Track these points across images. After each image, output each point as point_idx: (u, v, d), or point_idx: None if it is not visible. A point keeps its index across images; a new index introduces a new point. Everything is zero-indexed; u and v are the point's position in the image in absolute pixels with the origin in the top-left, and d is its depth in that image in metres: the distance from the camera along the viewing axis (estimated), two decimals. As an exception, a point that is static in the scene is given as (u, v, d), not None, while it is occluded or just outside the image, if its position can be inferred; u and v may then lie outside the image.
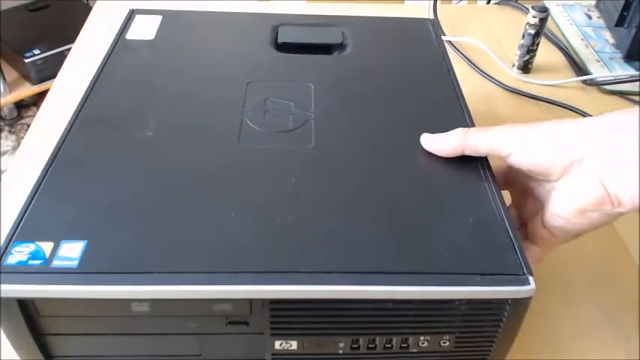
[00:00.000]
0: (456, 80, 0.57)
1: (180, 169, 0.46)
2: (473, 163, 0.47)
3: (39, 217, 0.41)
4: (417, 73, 0.59)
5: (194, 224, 0.41)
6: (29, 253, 0.38)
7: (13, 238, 0.39)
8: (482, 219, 0.43)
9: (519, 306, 0.40)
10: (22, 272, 0.38)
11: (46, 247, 0.39)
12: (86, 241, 0.39)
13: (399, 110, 0.54)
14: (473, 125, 0.52)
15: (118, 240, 0.40)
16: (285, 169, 0.46)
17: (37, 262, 0.38)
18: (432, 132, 0.49)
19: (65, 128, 0.49)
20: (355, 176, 0.46)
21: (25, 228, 0.40)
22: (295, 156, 0.48)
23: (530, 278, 0.39)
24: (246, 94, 0.54)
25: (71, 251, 0.39)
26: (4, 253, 0.38)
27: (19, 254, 0.38)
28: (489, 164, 0.48)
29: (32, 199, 0.42)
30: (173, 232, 0.40)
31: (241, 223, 0.41)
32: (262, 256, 0.39)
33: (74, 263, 0.38)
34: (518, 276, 0.39)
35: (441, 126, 0.50)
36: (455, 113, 0.53)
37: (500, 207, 0.44)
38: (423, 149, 0.49)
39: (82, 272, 0.38)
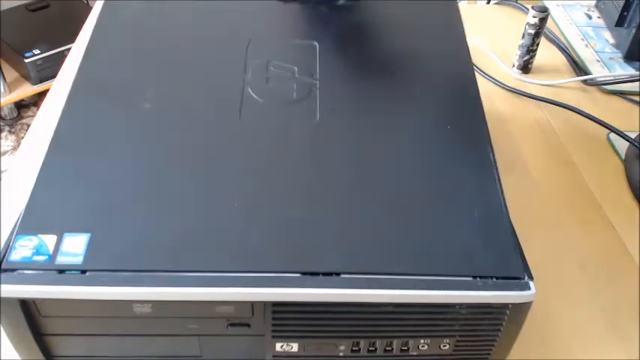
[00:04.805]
0: (467, 46, 0.54)
1: (181, 154, 0.44)
2: (483, 153, 0.46)
3: (39, 207, 0.40)
4: (430, 32, 0.55)
5: (196, 216, 0.40)
6: (33, 248, 0.38)
7: (15, 231, 0.39)
8: (487, 215, 0.42)
9: (520, 310, 0.40)
10: (25, 271, 0.37)
11: (49, 240, 0.38)
12: (89, 234, 0.39)
13: (408, 77, 0.51)
14: (479, 97, 0.49)
15: (121, 232, 0.39)
16: (288, 152, 0.44)
17: (42, 258, 0.38)
18: (442, 105, 0.47)
19: (62, 110, 0.47)
20: (360, 162, 0.44)
21: (27, 220, 0.39)
22: (299, 136, 0.45)
23: (531, 283, 0.39)
24: (247, 56, 0.51)
25: (75, 246, 0.38)
26: (7, 249, 0.38)
27: (23, 249, 0.38)
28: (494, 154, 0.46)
29: (32, 189, 0.41)
30: (175, 227, 0.40)
31: (243, 218, 0.41)
32: (264, 256, 0.39)
33: (79, 259, 0.38)
34: (519, 281, 0.39)
35: (451, 100, 0.48)
36: (467, 85, 0.50)
37: (506, 202, 0.43)
38: (434, 128, 0.47)
39: (86, 270, 0.37)
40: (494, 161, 0.45)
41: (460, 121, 0.48)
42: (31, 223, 0.39)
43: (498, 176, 0.44)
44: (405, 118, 0.48)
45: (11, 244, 0.38)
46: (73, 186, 0.42)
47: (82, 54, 0.50)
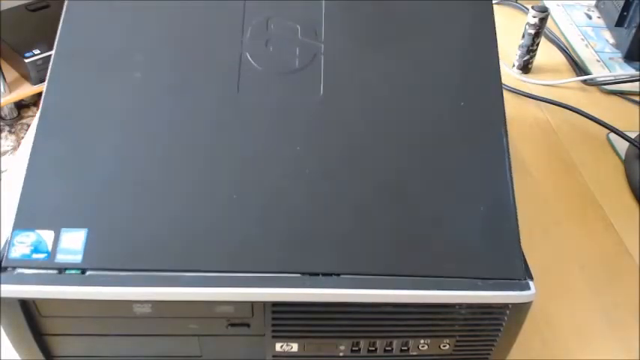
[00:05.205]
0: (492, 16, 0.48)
1: (176, 139, 0.42)
2: (497, 145, 0.43)
3: (34, 200, 0.39)
4: None
5: (193, 209, 0.39)
6: (31, 245, 0.38)
7: (13, 227, 0.38)
8: (495, 214, 0.40)
9: (520, 310, 0.40)
10: (25, 270, 0.37)
11: (47, 236, 0.38)
12: (87, 230, 0.38)
13: (424, 47, 0.45)
14: (499, 76, 0.44)
15: (117, 227, 0.39)
16: (288, 138, 0.42)
17: (41, 255, 0.37)
18: (458, 80, 0.42)
19: (45, 88, 0.43)
20: (364, 147, 0.42)
21: (22, 214, 0.39)
22: (300, 118, 0.42)
23: (531, 283, 0.39)
24: (245, 10, 0.45)
25: (73, 243, 0.38)
26: (7, 247, 0.38)
27: (22, 246, 0.38)
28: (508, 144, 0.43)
29: (24, 180, 0.40)
30: (172, 223, 0.39)
31: (243, 215, 0.39)
32: (264, 256, 0.39)
33: (78, 258, 0.37)
34: (519, 281, 0.39)
35: (469, 76, 0.44)
36: (486, 60, 0.45)
37: (513, 197, 0.41)
38: (448, 109, 0.43)
39: (85, 269, 0.37)
40: (507, 152, 0.42)
41: (476, 107, 0.44)
42: (26, 217, 0.39)
43: (510, 172, 0.42)
44: (418, 94, 0.44)
45: (9, 240, 0.38)
46: (65, 174, 0.40)
47: (60, 24, 0.44)
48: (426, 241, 0.40)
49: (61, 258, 0.38)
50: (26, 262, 0.37)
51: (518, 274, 0.39)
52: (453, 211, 0.41)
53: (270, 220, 0.40)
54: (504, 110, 0.44)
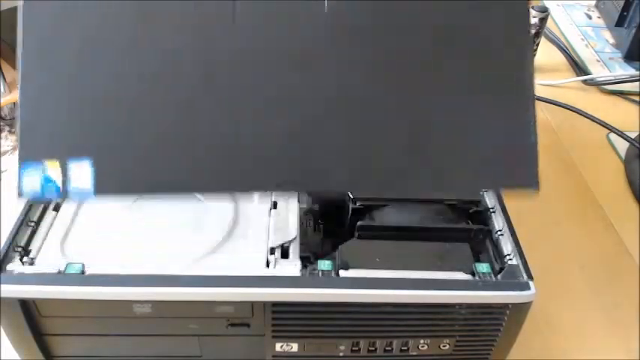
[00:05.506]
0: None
1: (168, 79, 0.39)
2: (522, 59, 0.39)
3: (34, 133, 0.38)
4: None
5: (194, 129, 0.38)
6: (41, 178, 0.37)
7: (18, 161, 0.37)
8: (510, 119, 0.38)
9: (520, 310, 0.40)
10: (27, 270, 0.37)
11: (55, 168, 0.37)
12: (92, 159, 0.37)
13: None
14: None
15: (122, 152, 0.37)
16: (290, 62, 0.38)
17: (52, 189, 0.37)
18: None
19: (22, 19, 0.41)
20: (376, 65, 0.39)
21: (25, 148, 0.37)
22: (304, 37, 0.39)
23: (531, 283, 0.39)
24: None
25: (81, 173, 0.37)
26: (18, 183, 0.37)
27: (32, 179, 0.37)
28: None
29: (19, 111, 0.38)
30: (174, 143, 0.38)
31: (245, 132, 0.38)
32: (269, 174, 0.37)
33: (89, 190, 0.36)
34: (519, 281, 0.39)
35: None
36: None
37: (534, 112, 0.38)
38: (468, 19, 0.39)
39: (98, 195, 0.36)
40: (532, 72, 0.39)
41: (500, 33, 0.40)
42: (30, 151, 0.37)
43: (533, 87, 0.38)
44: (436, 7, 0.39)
45: (18, 175, 0.37)
46: (60, 102, 0.38)
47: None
48: (438, 151, 0.38)
49: (72, 190, 0.37)
50: (40, 200, 0.37)
51: (532, 182, 0.38)
52: (470, 121, 0.39)
53: (275, 138, 0.38)
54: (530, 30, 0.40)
